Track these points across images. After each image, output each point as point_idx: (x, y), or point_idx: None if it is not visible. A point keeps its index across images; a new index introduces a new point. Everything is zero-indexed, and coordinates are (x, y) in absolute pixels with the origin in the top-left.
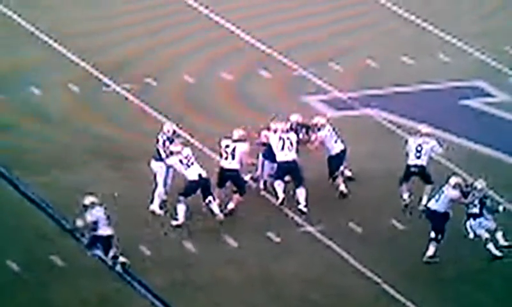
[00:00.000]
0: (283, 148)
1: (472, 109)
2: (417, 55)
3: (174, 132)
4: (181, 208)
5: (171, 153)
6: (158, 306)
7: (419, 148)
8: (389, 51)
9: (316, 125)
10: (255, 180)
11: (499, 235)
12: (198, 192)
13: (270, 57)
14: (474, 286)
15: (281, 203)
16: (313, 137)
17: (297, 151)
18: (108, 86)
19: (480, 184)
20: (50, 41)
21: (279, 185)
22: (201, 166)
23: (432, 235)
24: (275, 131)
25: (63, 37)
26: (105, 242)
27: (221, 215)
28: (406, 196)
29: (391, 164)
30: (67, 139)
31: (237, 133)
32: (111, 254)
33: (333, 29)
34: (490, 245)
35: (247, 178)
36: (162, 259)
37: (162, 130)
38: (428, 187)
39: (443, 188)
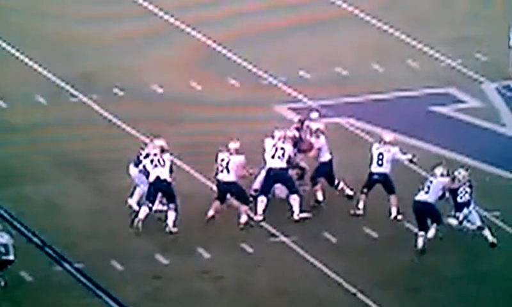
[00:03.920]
0: (273, 156)
1: (443, 115)
2: (388, 62)
3: (162, 149)
4: (143, 210)
5: (148, 155)
6: None
7: (380, 156)
8: (359, 59)
9: (317, 130)
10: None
11: (486, 232)
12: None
13: (239, 66)
14: (449, 295)
15: (259, 221)
16: (307, 137)
17: (288, 162)
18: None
19: (463, 171)
20: (15, 52)
21: (261, 202)
22: (171, 175)
23: (421, 232)
24: (272, 137)
25: (27, 47)
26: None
27: (171, 227)
28: (361, 205)
29: (363, 172)
30: (34, 152)
31: (233, 144)
32: None
33: (303, 37)
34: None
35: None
36: (133, 272)
37: (152, 145)
38: (393, 197)
39: (431, 179)
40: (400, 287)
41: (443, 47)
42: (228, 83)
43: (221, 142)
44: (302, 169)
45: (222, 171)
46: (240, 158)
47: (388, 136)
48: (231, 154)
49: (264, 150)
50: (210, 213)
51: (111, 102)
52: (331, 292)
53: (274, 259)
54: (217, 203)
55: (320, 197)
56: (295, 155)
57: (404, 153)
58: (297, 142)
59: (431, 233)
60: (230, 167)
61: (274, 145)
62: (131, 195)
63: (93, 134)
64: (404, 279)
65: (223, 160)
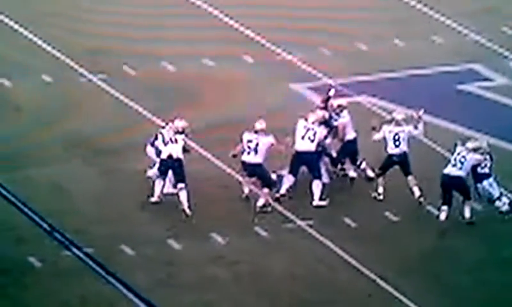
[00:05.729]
0: (303, 137)
1: (468, 94)
2: (410, 37)
3: (180, 131)
4: (157, 184)
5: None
6: None
7: (396, 137)
8: (380, 34)
9: (339, 107)
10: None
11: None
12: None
13: (254, 42)
14: (471, 280)
15: (277, 199)
16: (337, 121)
17: (318, 145)
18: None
19: (484, 142)
20: (21, 29)
21: (288, 180)
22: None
23: (444, 207)
24: (306, 119)
25: (33, 25)
26: None
27: (186, 209)
28: (381, 189)
29: (383, 154)
30: (40, 133)
31: (259, 125)
32: None
33: (321, 12)
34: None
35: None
36: (145, 258)
37: (171, 125)
38: (410, 178)
39: (463, 154)
40: (421, 273)
41: (468, 20)
42: (242, 59)
43: (235, 123)
44: (332, 157)
45: (249, 153)
46: (269, 139)
47: (400, 115)
48: (258, 134)
49: (295, 131)
50: (246, 190)
51: (119, 80)
52: (349, 278)
53: (291, 244)
54: (248, 179)
55: (353, 174)
56: (325, 137)
57: (416, 128)
58: (326, 123)
59: (467, 212)
60: (258, 148)
61: (305, 126)
62: (151, 167)
63: (101, 114)
64: (425, 265)
65: (250, 141)
